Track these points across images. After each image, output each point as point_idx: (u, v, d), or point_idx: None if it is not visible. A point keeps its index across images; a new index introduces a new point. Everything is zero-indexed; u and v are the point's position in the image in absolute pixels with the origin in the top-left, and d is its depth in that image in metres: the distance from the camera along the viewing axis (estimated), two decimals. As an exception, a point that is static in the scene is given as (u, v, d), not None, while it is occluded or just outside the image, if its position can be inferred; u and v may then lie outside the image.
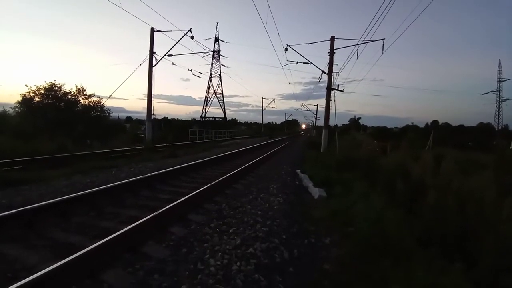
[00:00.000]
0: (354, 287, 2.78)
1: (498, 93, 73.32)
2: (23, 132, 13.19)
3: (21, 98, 17.00)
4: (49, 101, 17.36)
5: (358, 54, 15.68)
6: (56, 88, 17.64)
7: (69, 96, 18.13)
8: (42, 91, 17.25)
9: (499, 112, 73.24)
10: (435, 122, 69.36)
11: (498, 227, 3.28)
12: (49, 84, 17.48)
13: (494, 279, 2.73)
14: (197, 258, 3.03)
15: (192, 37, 17.89)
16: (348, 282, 2.87)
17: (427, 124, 68.31)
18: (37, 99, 17.20)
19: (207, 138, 28.84)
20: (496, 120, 73.05)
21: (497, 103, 73.58)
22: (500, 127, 68.97)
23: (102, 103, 19.35)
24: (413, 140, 18.25)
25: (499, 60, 75.49)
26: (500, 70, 73.25)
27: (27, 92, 17.01)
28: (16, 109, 17.29)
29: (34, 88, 17.09)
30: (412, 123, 68.31)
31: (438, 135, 19.42)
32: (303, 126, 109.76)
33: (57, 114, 16.54)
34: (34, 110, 16.65)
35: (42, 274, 2.20)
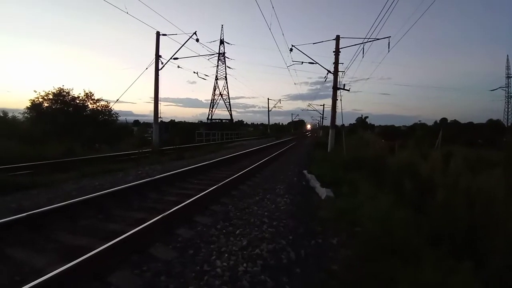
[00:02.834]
0: (362, 287, 2.75)
1: (506, 89, 72.15)
2: (32, 137, 13.38)
3: (30, 104, 17.31)
4: (58, 106, 17.62)
5: (364, 52, 15.59)
6: (65, 93, 17.92)
7: (78, 101, 18.42)
8: (50, 97, 17.54)
9: (508, 109, 72.05)
10: (444, 119, 68.42)
11: (507, 226, 3.22)
12: (57, 89, 17.78)
13: (503, 278, 2.68)
14: (204, 259, 3.04)
15: (197, 40, 17.94)
16: (356, 282, 2.84)
17: (435, 122, 67.47)
18: (46, 105, 17.49)
19: (213, 140, 28.91)
20: (506, 117, 71.89)
21: (506, 99, 72.45)
22: (509, 124, 67.79)
23: (109, 107, 19.62)
24: (421, 138, 18.06)
25: (507, 56, 74.30)
26: (508, 66, 72.12)
27: (36, 98, 17.33)
28: (26, 115, 17.58)
29: (43, 93, 17.41)
30: (420, 121, 67.53)
31: (447, 133, 19.17)
32: (308, 127, 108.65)
33: (65, 119, 16.76)
34: (43, 115, 16.90)
35: (49, 277, 2.23)
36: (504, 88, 72.02)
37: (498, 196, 3.77)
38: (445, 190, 4.49)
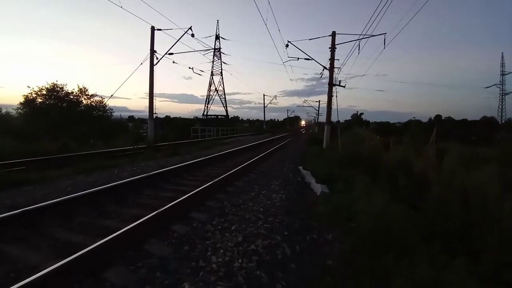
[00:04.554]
0: (357, 282, 2.76)
1: (501, 87, 72.68)
2: (26, 133, 13.25)
3: (23, 99, 17.11)
4: (52, 101, 17.43)
5: (360, 49, 15.60)
6: (58, 89, 17.72)
7: (71, 96, 18.21)
8: (44, 92, 17.34)
9: (502, 106, 72.62)
10: (438, 116, 68.65)
11: (502, 222, 3.25)
12: (51, 84, 17.57)
13: (497, 274, 2.71)
14: (199, 255, 3.04)
15: (192, 35, 17.83)
16: (351, 277, 2.86)
17: (430, 118, 67.75)
18: (39, 100, 17.28)
19: (209, 136, 28.82)
20: (500, 114, 72.45)
21: (500, 96, 73.00)
22: (503, 121, 68.31)
23: (104, 102, 19.43)
24: (416, 135, 18.15)
25: (502, 53, 74.87)
26: (503, 64, 72.67)
27: (29, 93, 17.13)
28: (19, 111, 17.39)
29: (36, 89, 17.21)
30: (414, 117, 67.74)
31: (442, 130, 19.29)
32: (303, 123, 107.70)
33: (59, 115, 16.60)
34: (37, 111, 16.72)
35: (43, 274, 2.22)
36: (498, 86, 72.61)
37: (492, 193, 3.81)
38: (439, 186, 4.52)
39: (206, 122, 46.21)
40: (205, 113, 57.67)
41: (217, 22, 54.58)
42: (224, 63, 56.36)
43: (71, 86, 18.38)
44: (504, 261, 2.78)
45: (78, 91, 18.56)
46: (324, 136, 18.04)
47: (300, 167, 9.49)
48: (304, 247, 3.63)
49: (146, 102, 18.42)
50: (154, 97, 18.33)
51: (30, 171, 7.10)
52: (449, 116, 65.49)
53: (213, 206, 4.92)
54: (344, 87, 17.71)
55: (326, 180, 7.20)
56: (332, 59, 17.34)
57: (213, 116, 55.83)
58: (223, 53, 54.54)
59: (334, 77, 17.43)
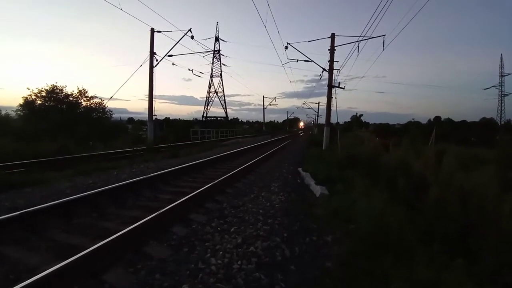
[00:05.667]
0: (356, 284, 2.77)
1: (500, 88, 72.68)
2: (26, 135, 13.25)
3: (23, 101, 17.13)
4: (51, 103, 17.45)
5: (359, 51, 15.64)
6: (58, 91, 17.75)
7: (71, 98, 18.24)
8: (44, 94, 17.37)
9: (501, 107, 72.58)
10: (437, 118, 68.72)
11: (500, 223, 3.26)
12: (50, 86, 17.60)
13: (496, 275, 2.72)
14: (198, 257, 3.04)
15: (192, 37, 17.88)
16: (350, 279, 2.86)
17: (429, 120, 67.94)
18: (39, 102, 17.31)
19: (209, 138, 28.79)
20: (499, 115, 72.43)
21: (500, 98, 72.97)
22: (502, 122, 68.30)
23: (103, 104, 19.44)
24: (415, 136, 18.17)
25: (501, 54, 74.99)
26: (502, 65, 72.74)
27: (29, 95, 17.15)
28: (19, 112, 17.40)
29: (36, 90, 17.23)
30: (413, 119, 67.81)
31: (441, 131, 19.31)
32: (301, 125, 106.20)
33: (59, 116, 16.60)
34: (36, 112, 16.73)
35: (43, 276, 2.22)
36: (497, 87, 72.60)
37: (490, 194, 3.82)
38: (438, 188, 4.53)
39: (206, 124, 46.18)
40: (204, 115, 57.68)
41: (217, 24, 54.71)
42: (224, 65, 56.45)
43: (70, 88, 18.41)
44: (503, 262, 2.79)
45: (77, 93, 18.58)
46: (323, 138, 18.07)
47: (300, 169, 9.49)
48: (303, 249, 3.63)
49: (145, 104, 18.41)
50: (153, 99, 18.37)
51: (29, 172, 7.09)
52: (448, 118, 65.66)
53: (212, 208, 4.92)
54: (343, 88, 17.81)
55: (325, 182, 7.21)
56: (331, 61, 17.39)
57: (212, 118, 55.82)
58: (222, 55, 54.63)
59: (333, 78, 17.48)
